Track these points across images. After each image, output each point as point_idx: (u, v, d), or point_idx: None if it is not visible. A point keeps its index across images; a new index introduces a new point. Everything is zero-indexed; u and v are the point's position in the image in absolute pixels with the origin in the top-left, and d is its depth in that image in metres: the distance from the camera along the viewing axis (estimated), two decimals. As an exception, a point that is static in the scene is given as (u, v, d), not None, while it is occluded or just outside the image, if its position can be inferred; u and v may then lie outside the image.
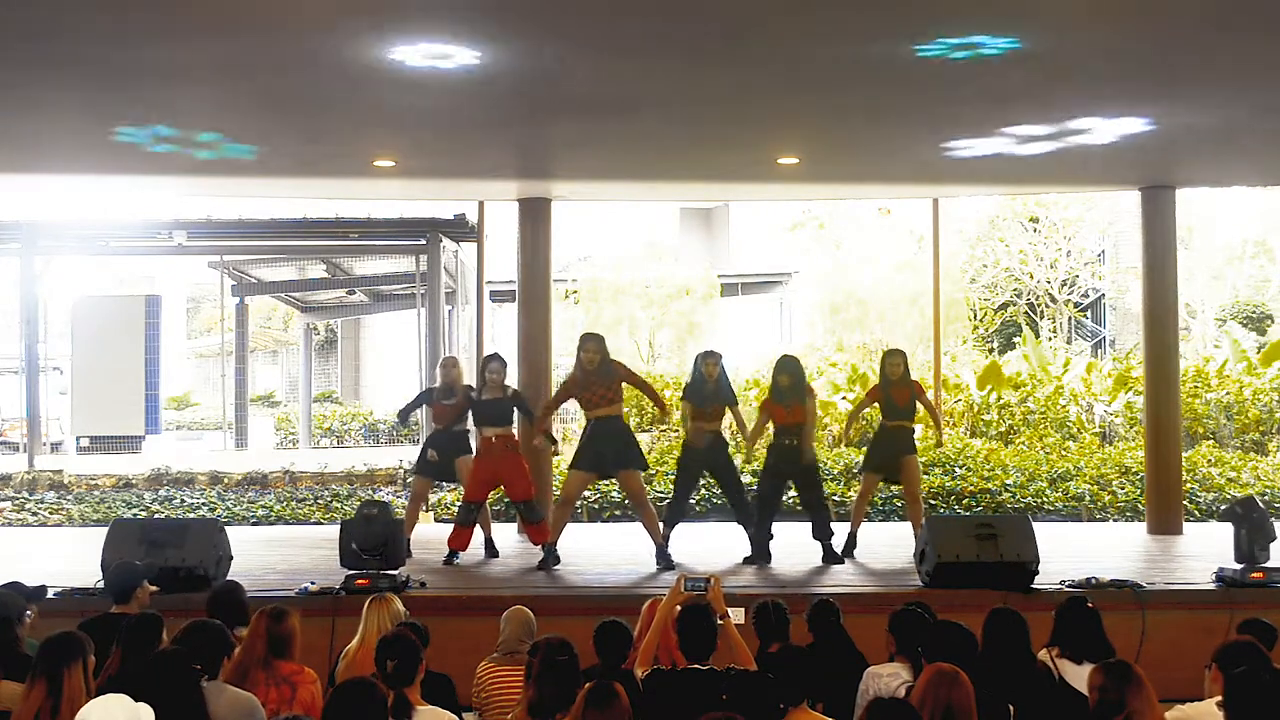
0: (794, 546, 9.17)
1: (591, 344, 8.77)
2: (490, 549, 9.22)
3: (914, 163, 10.06)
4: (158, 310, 16.77)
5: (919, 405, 9.35)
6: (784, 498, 9.32)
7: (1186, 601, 7.73)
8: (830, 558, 8.81)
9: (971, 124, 8.54)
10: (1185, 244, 18.81)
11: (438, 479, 9.84)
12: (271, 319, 32.83)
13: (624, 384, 8.85)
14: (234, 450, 18.17)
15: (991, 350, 21.89)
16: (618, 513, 11.94)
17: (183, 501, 13.00)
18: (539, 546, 8.88)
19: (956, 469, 13.05)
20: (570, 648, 4.56)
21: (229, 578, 6.29)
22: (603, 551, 9.31)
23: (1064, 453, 14.23)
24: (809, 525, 9.00)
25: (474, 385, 9.16)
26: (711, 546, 9.47)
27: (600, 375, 8.67)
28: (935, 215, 14.17)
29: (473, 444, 9.24)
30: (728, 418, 9.27)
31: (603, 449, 8.68)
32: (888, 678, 5.02)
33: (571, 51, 6.73)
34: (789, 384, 8.91)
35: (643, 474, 9.05)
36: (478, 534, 9.37)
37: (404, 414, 9.68)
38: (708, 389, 8.93)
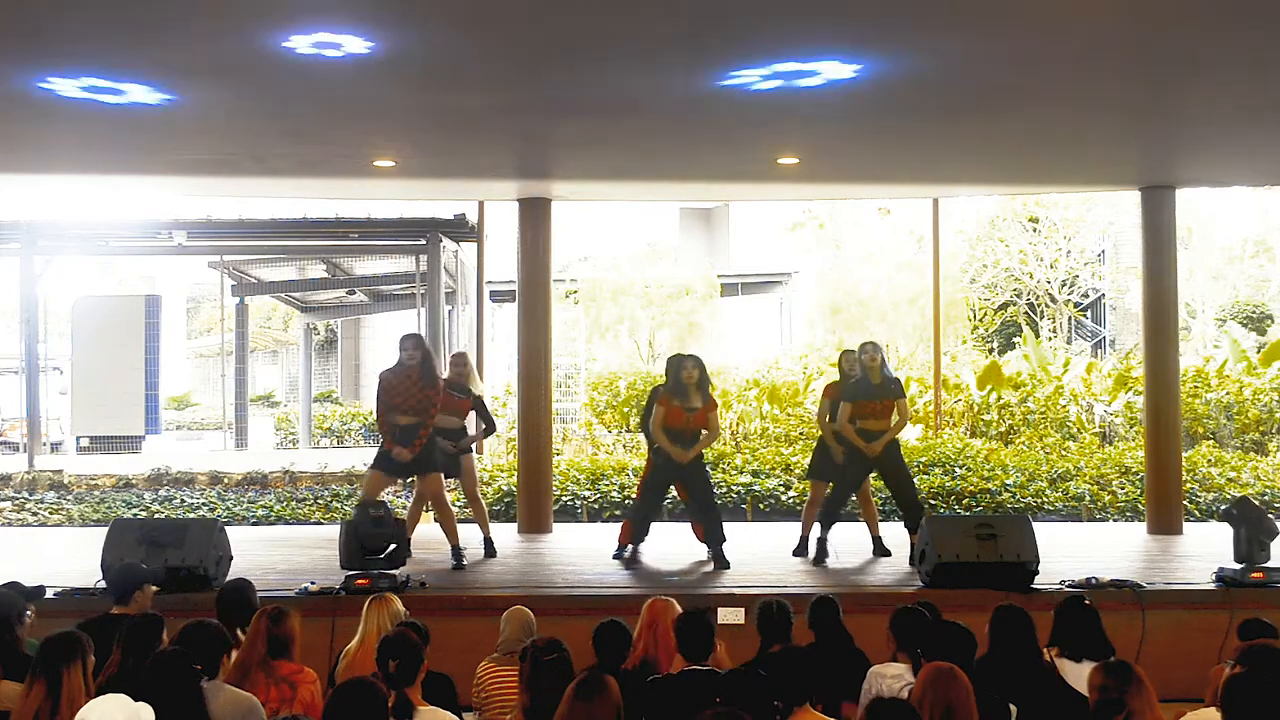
0: (786, 548, 9.21)
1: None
2: (489, 549, 9.22)
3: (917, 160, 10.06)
4: (158, 310, 16.79)
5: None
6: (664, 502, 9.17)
7: (1186, 601, 7.72)
8: (720, 563, 8.64)
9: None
10: (1185, 244, 18.81)
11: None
12: (271, 319, 32.86)
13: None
14: (234, 450, 18.17)
15: (991, 350, 21.89)
16: (617, 513, 11.94)
17: (183, 501, 12.99)
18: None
19: (956, 469, 13.05)
20: (559, 646, 4.55)
21: (239, 576, 6.30)
22: (603, 551, 9.30)
23: (1064, 453, 14.23)
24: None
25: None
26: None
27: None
28: (935, 215, 14.20)
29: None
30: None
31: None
32: (891, 679, 5.01)
33: (572, 51, 6.73)
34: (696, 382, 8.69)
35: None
36: (476, 533, 9.37)
37: None
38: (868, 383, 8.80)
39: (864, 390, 8.82)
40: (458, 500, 10.26)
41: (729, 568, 8.56)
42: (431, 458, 8.74)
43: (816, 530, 8.99)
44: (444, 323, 15.81)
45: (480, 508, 9.42)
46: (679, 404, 8.65)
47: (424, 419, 8.60)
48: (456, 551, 8.80)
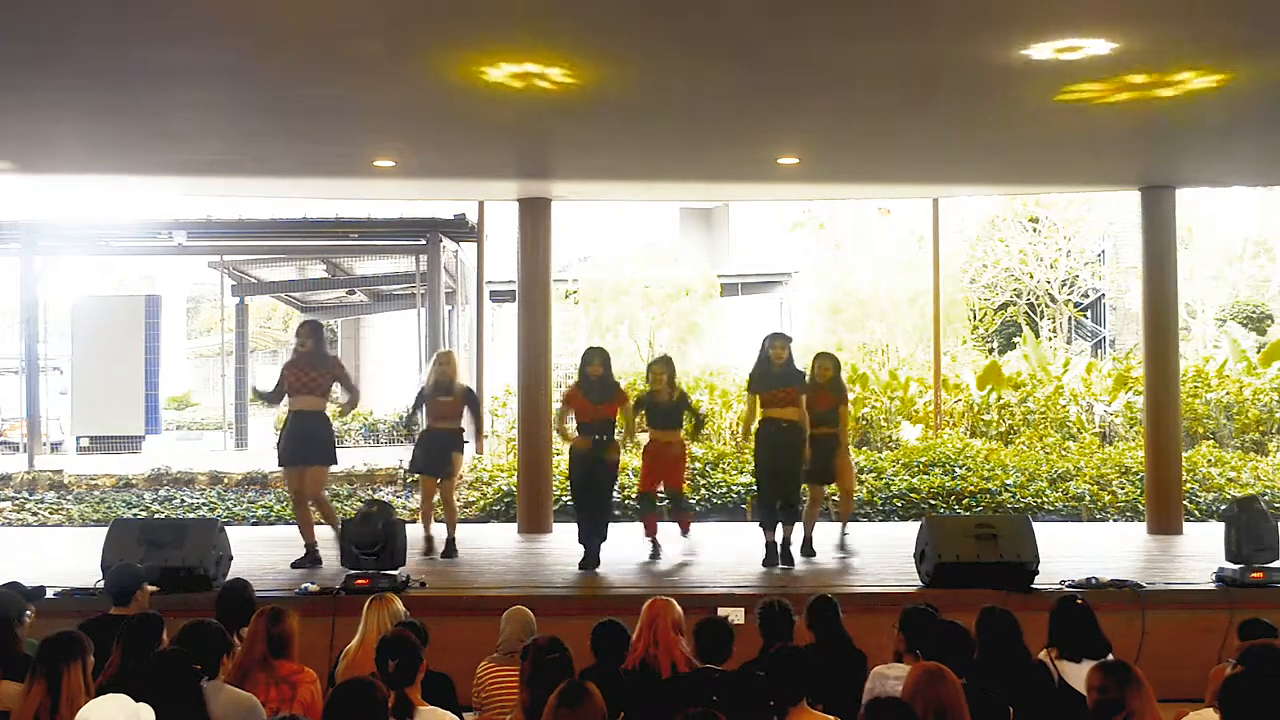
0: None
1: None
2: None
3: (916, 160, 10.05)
4: (158, 310, 16.80)
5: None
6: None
7: (1186, 601, 7.73)
8: (590, 562, 8.74)
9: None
10: (1185, 244, 18.79)
11: (434, 475, 9.79)
12: (271, 319, 32.85)
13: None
14: (234, 450, 18.15)
15: (991, 350, 21.89)
16: (616, 513, 11.92)
17: (183, 501, 12.99)
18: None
19: (956, 469, 13.04)
20: (560, 645, 4.56)
21: (236, 576, 6.31)
22: (602, 552, 9.29)
23: (1064, 453, 14.22)
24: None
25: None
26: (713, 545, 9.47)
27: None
28: (935, 215, 14.21)
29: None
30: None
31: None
32: (894, 680, 5.00)
33: (571, 52, 6.73)
34: (599, 377, 8.87)
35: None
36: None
37: (408, 422, 9.65)
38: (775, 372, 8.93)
39: (766, 381, 8.97)
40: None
41: (594, 570, 8.65)
42: (317, 449, 8.87)
43: (800, 531, 9.08)
44: (444, 323, 15.82)
45: (452, 510, 9.38)
46: (583, 396, 8.83)
47: (320, 400, 8.90)
48: (310, 549, 8.90)
